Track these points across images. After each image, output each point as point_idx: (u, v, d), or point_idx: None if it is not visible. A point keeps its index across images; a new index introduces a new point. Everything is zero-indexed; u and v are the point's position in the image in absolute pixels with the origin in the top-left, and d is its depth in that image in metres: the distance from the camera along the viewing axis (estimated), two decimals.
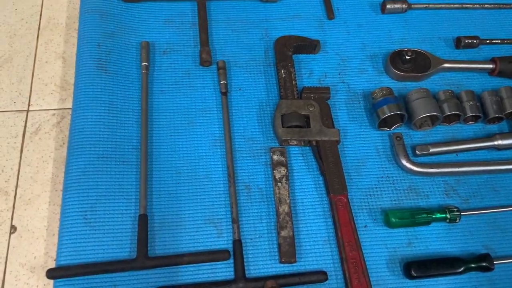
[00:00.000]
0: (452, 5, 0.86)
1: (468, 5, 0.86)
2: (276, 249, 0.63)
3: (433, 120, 0.73)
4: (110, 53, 0.75)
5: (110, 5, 0.80)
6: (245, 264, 0.62)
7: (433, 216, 0.65)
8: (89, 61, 0.74)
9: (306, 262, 0.63)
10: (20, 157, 0.71)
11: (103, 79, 0.73)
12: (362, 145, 0.72)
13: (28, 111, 0.75)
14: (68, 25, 0.83)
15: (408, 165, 0.69)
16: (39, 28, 0.82)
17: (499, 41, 0.82)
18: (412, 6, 0.84)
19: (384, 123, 0.72)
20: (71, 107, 0.73)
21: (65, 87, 0.77)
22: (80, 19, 0.80)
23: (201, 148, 0.70)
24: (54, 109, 0.75)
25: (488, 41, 0.82)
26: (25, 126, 0.73)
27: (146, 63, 0.75)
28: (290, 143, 0.71)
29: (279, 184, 0.67)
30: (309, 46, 0.79)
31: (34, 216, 0.67)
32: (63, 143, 0.72)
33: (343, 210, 0.65)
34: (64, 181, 0.66)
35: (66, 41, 0.81)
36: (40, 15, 0.84)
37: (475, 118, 0.74)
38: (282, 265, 0.62)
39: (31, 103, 0.75)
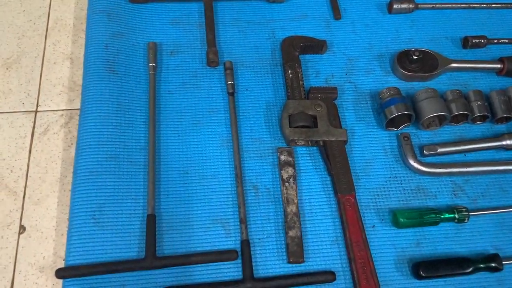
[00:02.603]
0: (459, 5, 0.86)
1: (475, 5, 0.86)
2: (284, 249, 0.63)
3: (441, 120, 0.72)
4: (117, 54, 0.76)
5: (118, 6, 0.80)
6: (253, 264, 0.62)
7: (442, 216, 0.65)
8: (97, 62, 0.74)
9: (314, 262, 0.63)
10: (29, 158, 0.71)
11: (110, 80, 0.73)
12: (369, 145, 0.72)
13: (36, 111, 0.75)
14: (76, 26, 0.84)
15: (416, 165, 0.69)
16: (47, 29, 0.83)
17: (506, 40, 0.82)
18: (419, 6, 0.84)
19: (392, 123, 0.72)
20: (79, 107, 0.73)
21: (73, 88, 0.77)
22: (88, 20, 0.80)
23: (208, 149, 0.70)
24: (62, 110, 0.75)
25: (495, 41, 0.82)
26: (33, 127, 0.74)
27: (154, 64, 0.75)
28: (298, 143, 0.71)
29: (287, 184, 0.67)
30: (316, 46, 0.79)
31: (43, 216, 0.67)
32: (72, 144, 0.72)
33: (351, 210, 0.65)
34: (73, 182, 0.66)
35: (74, 42, 0.82)
36: (48, 16, 0.84)
37: (483, 118, 0.74)
38: (290, 265, 0.62)
39: (39, 103, 0.76)
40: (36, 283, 0.63)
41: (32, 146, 0.72)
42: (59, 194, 0.68)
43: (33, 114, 0.75)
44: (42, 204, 0.68)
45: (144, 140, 0.70)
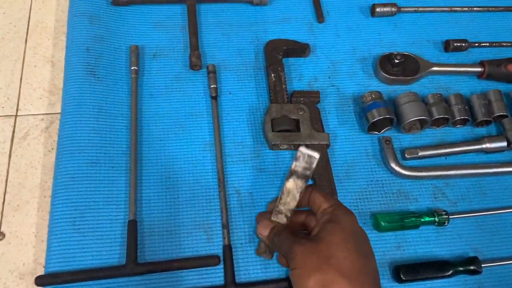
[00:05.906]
0: (441, 8, 0.86)
1: (457, 8, 0.87)
2: None
3: (422, 124, 0.73)
4: (99, 57, 0.75)
5: (99, 8, 0.79)
6: (235, 269, 0.62)
7: (422, 220, 0.65)
8: (78, 65, 0.74)
9: None
10: (9, 163, 0.70)
11: (92, 84, 0.72)
12: (352, 149, 0.72)
13: (16, 116, 0.74)
14: (57, 28, 0.83)
15: (397, 168, 0.69)
16: (27, 32, 0.82)
17: (487, 44, 0.83)
18: (402, 9, 0.85)
19: (374, 127, 0.73)
20: (60, 112, 0.72)
21: (54, 92, 0.76)
22: (69, 22, 0.79)
23: (191, 153, 0.70)
24: (43, 114, 0.74)
25: (476, 44, 0.83)
26: (13, 132, 0.73)
27: (136, 67, 0.74)
28: (281, 147, 0.71)
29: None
30: (299, 49, 0.79)
31: (22, 222, 0.66)
32: (52, 149, 0.71)
33: None
34: (53, 187, 0.65)
35: (55, 45, 0.81)
36: (29, 18, 0.83)
37: (463, 122, 0.74)
38: (272, 269, 0.62)
39: (19, 108, 0.75)
40: None
41: (12, 151, 0.71)
42: (39, 200, 0.68)
43: (13, 118, 0.74)
44: (22, 210, 0.67)
45: (126, 145, 0.69)
